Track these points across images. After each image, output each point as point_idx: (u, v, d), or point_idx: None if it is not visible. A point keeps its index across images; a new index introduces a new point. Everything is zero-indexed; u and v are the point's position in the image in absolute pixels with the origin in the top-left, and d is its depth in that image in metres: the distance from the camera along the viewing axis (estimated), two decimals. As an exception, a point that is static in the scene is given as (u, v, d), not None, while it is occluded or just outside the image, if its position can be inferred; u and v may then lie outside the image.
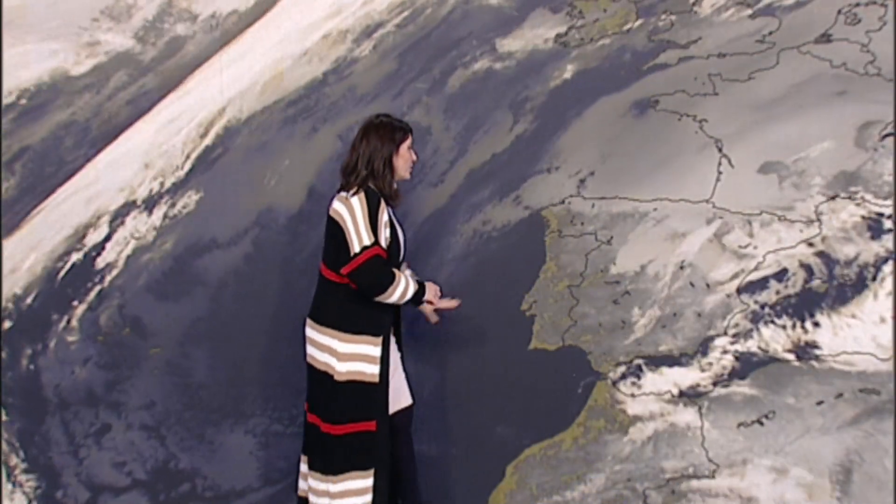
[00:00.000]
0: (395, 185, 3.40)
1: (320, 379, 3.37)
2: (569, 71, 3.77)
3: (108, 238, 3.97)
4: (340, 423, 3.34)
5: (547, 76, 3.79)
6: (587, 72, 3.76)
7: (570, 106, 3.77)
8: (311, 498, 3.44)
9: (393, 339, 3.49)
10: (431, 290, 3.46)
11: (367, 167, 3.32)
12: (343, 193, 3.33)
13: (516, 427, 3.84)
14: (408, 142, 3.40)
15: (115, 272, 3.97)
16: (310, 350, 3.41)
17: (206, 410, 3.98)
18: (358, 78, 3.90)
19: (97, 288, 3.97)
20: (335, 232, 3.30)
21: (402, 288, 3.32)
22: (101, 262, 3.97)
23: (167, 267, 3.96)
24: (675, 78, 3.66)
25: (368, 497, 3.36)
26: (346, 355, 3.32)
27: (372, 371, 3.34)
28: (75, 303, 3.97)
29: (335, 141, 3.91)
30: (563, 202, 3.78)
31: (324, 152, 3.91)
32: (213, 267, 3.95)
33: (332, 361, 3.34)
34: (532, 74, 3.80)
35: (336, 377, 3.33)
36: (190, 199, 3.97)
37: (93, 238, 3.97)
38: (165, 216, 3.97)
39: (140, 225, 3.96)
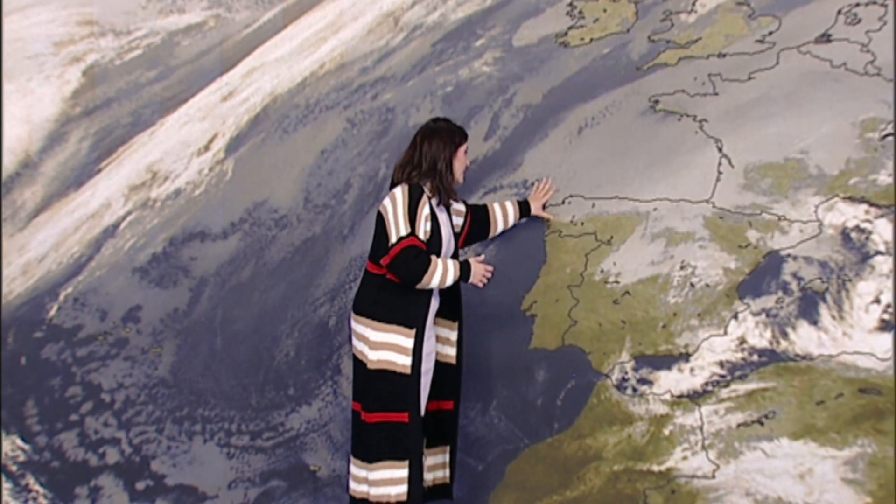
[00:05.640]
0: (453, 187, 3.49)
1: (358, 367, 3.47)
2: (568, 71, 3.77)
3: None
4: (374, 412, 3.41)
5: (546, 76, 3.79)
6: (587, 71, 3.75)
7: (569, 106, 3.77)
8: (352, 484, 3.51)
9: (452, 333, 3.58)
10: (477, 275, 3.48)
11: (430, 167, 3.43)
12: (392, 189, 3.43)
13: (516, 427, 3.84)
14: (464, 146, 3.50)
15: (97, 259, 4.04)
16: (352, 339, 3.51)
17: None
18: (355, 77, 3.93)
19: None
20: (379, 225, 3.41)
21: (441, 273, 3.36)
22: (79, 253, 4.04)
23: (156, 254, 4.03)
24: (675, 78, 3.66)
25: (404, 487, 3.41)
26: (377, 344, 3.39)
27: (403, 362, 3.39)
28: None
29: (324, 142, 3.93)
30: (563, 202, 3.78)
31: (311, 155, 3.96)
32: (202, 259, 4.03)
33: (365, 349, 3.42)
34: (532, 74, 3.80)
35: (368, 365, 3.41)
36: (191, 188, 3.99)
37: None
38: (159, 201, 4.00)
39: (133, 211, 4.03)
